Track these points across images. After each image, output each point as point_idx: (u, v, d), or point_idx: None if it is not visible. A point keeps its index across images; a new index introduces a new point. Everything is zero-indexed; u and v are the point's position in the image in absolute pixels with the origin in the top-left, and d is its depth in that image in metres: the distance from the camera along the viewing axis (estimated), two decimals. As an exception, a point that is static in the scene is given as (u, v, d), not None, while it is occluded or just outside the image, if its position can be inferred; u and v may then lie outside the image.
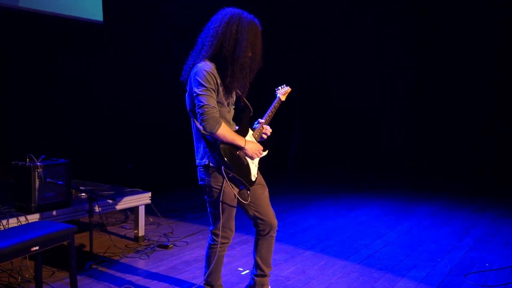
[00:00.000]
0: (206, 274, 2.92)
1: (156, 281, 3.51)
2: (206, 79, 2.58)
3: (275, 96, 3.01)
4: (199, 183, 2.83)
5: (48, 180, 3.61)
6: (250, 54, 2.68)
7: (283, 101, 3.04)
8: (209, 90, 2.58)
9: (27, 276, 3.45)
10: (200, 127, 2.62)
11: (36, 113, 5.80)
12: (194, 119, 2.72)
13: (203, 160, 2.74)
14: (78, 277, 3.23)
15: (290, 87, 3.10)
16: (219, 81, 2.64)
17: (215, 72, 2.62)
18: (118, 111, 6.65)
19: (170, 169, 7.13)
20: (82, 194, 4.13)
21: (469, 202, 6.36)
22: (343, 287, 3.46)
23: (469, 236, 4.81)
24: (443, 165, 8.55)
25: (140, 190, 4.50)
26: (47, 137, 5.80)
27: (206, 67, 2.61)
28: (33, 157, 3.60)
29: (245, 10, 2.77)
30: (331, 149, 9.42)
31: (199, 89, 2.57)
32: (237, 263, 3.88)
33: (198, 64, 2.65)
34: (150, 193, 4.47)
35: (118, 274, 3.63)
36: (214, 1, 8.15)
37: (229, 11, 2.71)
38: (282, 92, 3.05)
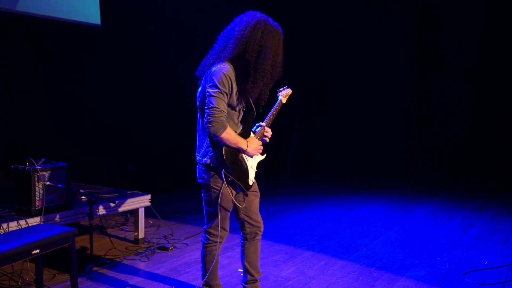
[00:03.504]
0: (203, 275, 2.94)
1: (156, 283, 3.52)
2: (222, 81, 2.59)
3: (276, 98, 3.01)
4: (198, 180, 2.85)
5: (48, 183, 3.63)
6: (272, 62, 2.69)
7: (283, 103, 3.05)
8: (222, 93, 2.59)
9: (27, 279, 3.46)
10: (205, 127, 2.63)
11: (36, 116, 5.81)
12: (202, 117, 2.74)
13: (205, 159, 2.76)
14: (79, 280, 3.24)
15: (289, 86, 3.10)
16: (234, 84, 2.65)
17: (232, 75, 2.63)
18: (117, 114, 6.66)
19: (170, 171, 7.14)
20: (82, 197, 4.14)
21: (467, 201, 6.38)
22: (343, 287, 3.48)
23: (468, 234, 4.82)
24: (441, 164, 8.58)
25: (140, 192, 4.51)
26: (47, 140, 5.82)
27: (224, 69, 2.61)
28: (33, 160, 3.61)
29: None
30: (330, 149, 9.44)
31: (213, 90, 2.59)
32: (237, 264, 3.89)
33: (217, 65, 2.66)
34: (149, 195, 4.48)
35: (119, 276, 3.64)
36: (212, 5, 8.21)
37: (255, 15, 2.70)
38: (284, 94, 3.06)
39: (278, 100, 3.01)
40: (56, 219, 3.72)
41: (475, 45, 8.16)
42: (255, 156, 2.83)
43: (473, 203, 6.27)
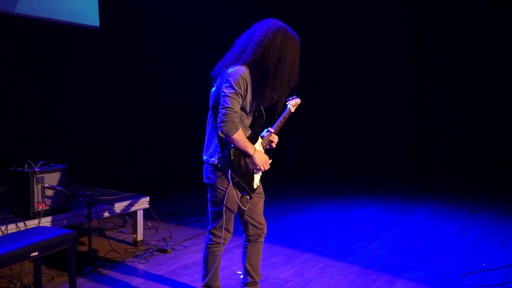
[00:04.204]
0: (204, 276, 2.95)
1: (156, 285, 3.51)
2: (238, 83, 2.62)
3: (285, 106, 3.06)
4: (204, 181, 2.87)
5: (46, 185, 3.63)
6: (290, 70, 2.73)
7: (292, 112, 3.10)
8: (237, 94, 2.63)
9: (26, 281, 3.45)
10: (218, 126, 2.66)
11: (35, 118, 5.81)
12: (213, 117, 2.77)
13: (212, 159, 2.78)
14: (78, 282, 3.24)
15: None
16: (249, 87, 2.68)
17: (248, 78, 2.67)
18: (114, 116, 6.65)
19: (168, 173, 7.14)
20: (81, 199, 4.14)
21: (466, 202, 6.39)
22: (342, 288, 3.48)
23: (467, 236, 4.83)
24: (440, 165, 8.59)
25: (139, 194, 4.51)
26: (46, 142, 5.81)
27: (241, 71, 2.65)
28: (32, 162, 3.62)
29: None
30: (329, 150, 9.45)
31: (228, 91, 2.62)
32: (235, 267, 3.89)
33: (235, 67, 2.69)
34: (148, 197, 4.48)
35: (117, 279, 3.63)
36: (211, 8, 8.20)
37: (275, 23, 2.74)
38: (293, 103, 3.12)
39: (287, 109, 3.07)
40: (55, 221, 3.71)
41: (475, 45, 8.18)
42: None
43: (471, 204, 6.27)
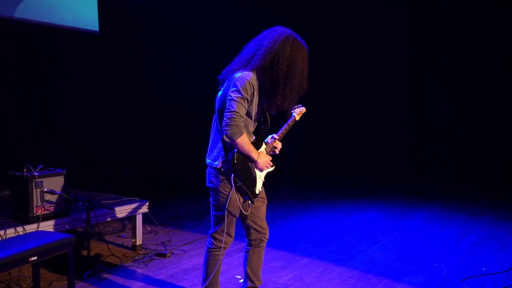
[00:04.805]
0: (204, 279, 2.95)
1: (154, 290, 3.52)
2: (245, 88, 2.64)
3: (290, 114, 3.08)
4: (207, 185, 2.88)
5: (45, 189, 3.62)
6: (299, 78, 2.75)
7: (297, 120, 3.12)
8: (244, 99, 2.64)
9: (25, 286, 3.45)
10: (222, 130, 2.67)
11: (34, 119, 5.80)
12: (219, 120, 2.78)
13: (216, 163, 2.78)
14: (77, 286, 3.24)
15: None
16: (256, 93, 2.70)
17: (255, 84, 2.69)
18: (114, 120, 6.63)
19: (168, 174, 7.13)
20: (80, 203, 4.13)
21: (465, 207, 6.39)
22: (341, 293, 3.48)
23: (466, 240, 4.83)
24: (440, 166, 8.59)
25: (138, 199, 4.50)
26: (46, 143, 5.80)
27: (248, 76, 2.67)
28: (30, 167, 3.61)
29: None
30: (329, 151, 9.44)
31: (235, 95, 2.63)
32: (235, 271, 3.89)
33: (243, 72, 2.71)
34: (147, 202, 4.47)
35: (117, 283, 3.63)
36: (211, 8, 8.16)
37: (284, 31, 2.76)
38: (298, 111, 3.13)
39: (292, 117, 3.09)
40: (54, 225, 3.71)
41: (475, 45, 8.18)
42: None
43: (470, 209, 6.27)
